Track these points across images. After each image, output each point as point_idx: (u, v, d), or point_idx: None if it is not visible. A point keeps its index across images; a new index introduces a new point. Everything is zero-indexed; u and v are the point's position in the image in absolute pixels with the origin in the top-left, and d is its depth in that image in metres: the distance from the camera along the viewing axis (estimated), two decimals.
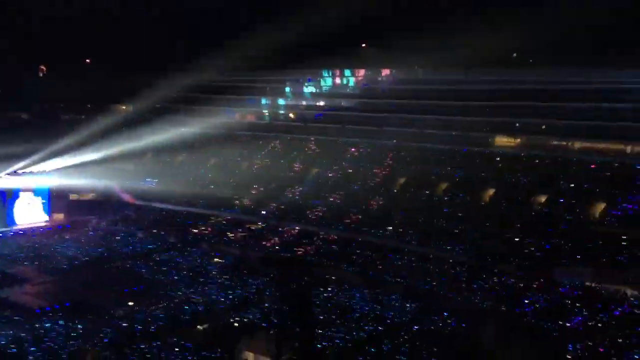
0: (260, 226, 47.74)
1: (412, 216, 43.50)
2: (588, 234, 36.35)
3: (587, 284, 32.42)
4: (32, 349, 27.01)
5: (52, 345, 27.67)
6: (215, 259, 42.09)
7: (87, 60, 74.30)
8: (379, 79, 60.96)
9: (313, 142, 56.82)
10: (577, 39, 46.01)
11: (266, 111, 64.52)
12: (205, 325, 30.82)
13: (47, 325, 30.23)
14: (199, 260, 42.11)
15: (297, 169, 54.50)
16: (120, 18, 66.39)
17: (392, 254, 39.74)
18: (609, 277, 32.24)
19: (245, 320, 31.31)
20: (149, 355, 26.60)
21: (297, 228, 46.05)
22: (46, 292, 37.07)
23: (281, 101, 64.14)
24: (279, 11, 55.95)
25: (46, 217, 53.71)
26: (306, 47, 56.44)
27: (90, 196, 58.16)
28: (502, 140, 48.56)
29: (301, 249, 43.17)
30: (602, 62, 43.63)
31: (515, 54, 53.94)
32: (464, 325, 29.60)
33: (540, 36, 45.35)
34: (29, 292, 37.02)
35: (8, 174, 53.57)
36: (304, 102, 63.47)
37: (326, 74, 62.62)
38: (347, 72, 61.81)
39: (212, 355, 26.54)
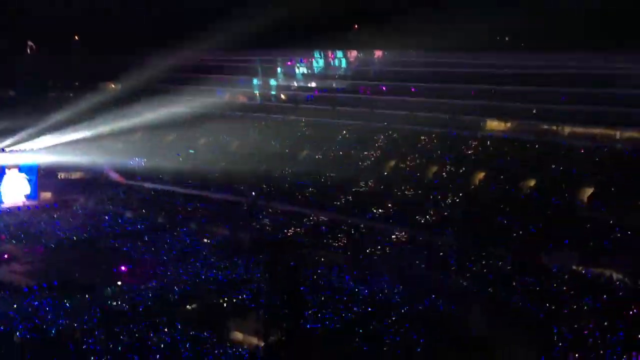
0: (249, 207, 47.66)
1: (401, 199, 43.62)
2: (576, 219, 36.63)
3: (575, 268, 32.73)
4: (20, 326, 26.92)
5: (41, 323, 27.59)
6: (204, 239, 42.03)
7: (76, 37, 73.33)
8: (371, 60, 60.76)
9: (304, 124, 56.66)
10: (572, 22, 45.96)
11: (256, 92, 64.19)
12: (194, 305, 30.82)
13: (35, 303, 30.12)
14: (187, 241, 42.02)
15: (287, 150, 54.37)
16: None
17: (381, 236, 39.88)
18: (595, 262, 32.55)
19: (234, 300, 31.34)
20: (137, 335, 26.58)
21: (286, 209, 46.04)
22: (34, 270, 36.96)
23: (272, 82, 63.82)
24: None
25: (34, 196, 53.30)
26: (298, 28, 56.06)
27: (78, 175, 57.81)
28: (492, 124, 48.67)
29: (290, 230, 43.24)
30: (598, 47, 43.60)
31: (507, 37, 53.92)
32: (452, 307, 29.79)
33: (534, 20, 45.31)
34: (17, 270, 36.95)
35: None
36: (295, 83, 63.21)
37: (318, 55, 62.31)
38: (339, 54, 61.52)
39: (201, 335, 26.56)
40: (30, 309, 29.34)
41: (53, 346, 25.39)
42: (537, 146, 44.50)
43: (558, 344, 25.14)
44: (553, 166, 41.95)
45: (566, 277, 32.00)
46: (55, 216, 48.94)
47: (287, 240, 41.75)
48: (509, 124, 47.88)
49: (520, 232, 36.92)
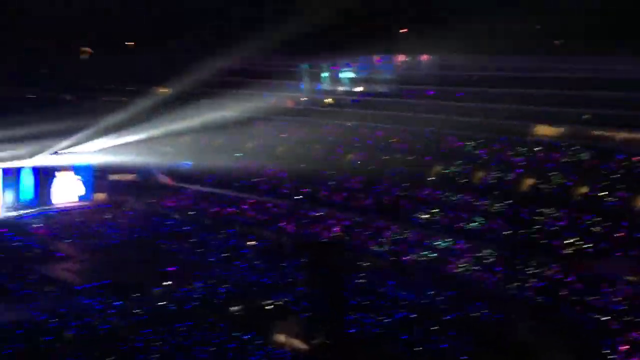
0: (294, 210, 48.01)
1: (445, 204, 43.15)
2: (629, 227, 35.48)
3: (627, 277, 31.72)
4: (71, 324, 27.82)
5: (91, 321, 28.46)
6: (249, 242, 42.54)
7: (129, 43, 75.26)
8: (417, 64, 60.20)
9: (348, 127, 56.65)
10: (625, 24, 44.36)
11: (302, 95, 64.48)
12: (239, 307, 31.23)
13: (85, 301, 31.08)
14: (233, 243, 42.65)
15: (332, 153, 54.47)
16: (160, 2, 67.00)
17: (427, 241, 39.57)
18: None
19: (278, 303, 31.63)
20: (182, 334, 27.14)
21: (331, 212, 46.16)
22: (86, 269, 38.13)
23: (318, 86, 63.99)
24: None
25: (87, 197, 55.05)
26: (344, 32, 56.03)
27: (129, 177, 59.40)
28: (542, 130, 47.49)
29: (335, 233, 43.36)
30: None
31: (559, 41, 52.48)
32: (496, 314, 29.33)
33: (587, 22, 43.93)
34: (69, 269, 38.12)
35: (51, 153, 54.98)
36: (340, 87, 63.22)
37: (363, 59, 62.14)
38: (385, 58, 61.19)
39: (245, 337, 26.92)
40: (81, 307, 30.27)
41: (102, 344, 26.13)
42: (588, 152, 43.23)
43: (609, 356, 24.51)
44: (605, 173, 40.67)
45: (619, 286, 31.05)
46: (107, 217, 50.41)
47: (332, 244, 41.86)
48: (559, 130, 46.63)
49: (572, 240, 35.98)
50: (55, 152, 55.40)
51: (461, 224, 40.73)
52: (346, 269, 35.80)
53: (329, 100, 62.79)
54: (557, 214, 38.63)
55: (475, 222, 40.57)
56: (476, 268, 35.88)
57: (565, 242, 35.92)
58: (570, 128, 45.56)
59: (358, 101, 59.41)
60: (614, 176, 40.03)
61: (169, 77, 62.35)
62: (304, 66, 64.46)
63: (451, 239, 39.23)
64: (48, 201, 53.15)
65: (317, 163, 53.21)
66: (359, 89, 62.07)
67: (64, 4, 60.15)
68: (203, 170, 57.80)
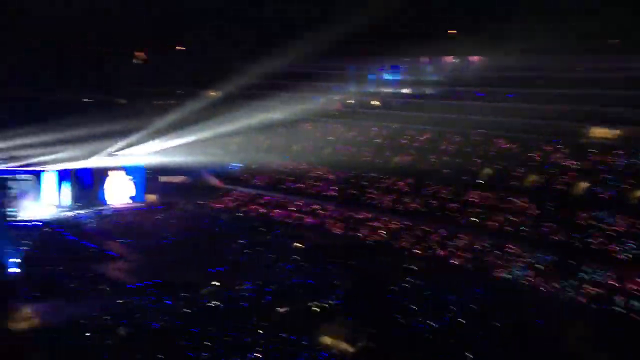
0: (341, 212, 48.02)
1: (496, 207, 42.37)
2: None
3: None
4: (123, 321, 28.54)
5: (142, 318, 29.13)
6: (296, 243, 42.77)
7: (180, 48, 76.82)
8: (466, 66, 59.37)
9: (396, 130, 56.33)
10: None
11: (350, 98, 64.49)
12: (285, 308, 31.40)
13: (137, 300, 31.84)
14: (280, 244, 42.95)
15: (381, 156, 54.26)
16: (209, 6, 68.09)
17: (477, 245, 38.97)
18: None
19: (324, 305, 31.67)
20: (230, 333, 27.48)
21: (379, 216, 45.99)
22: (138, 269, 39.01)
23: (366, 88, 63.87)
24: None
25: (139, 198, 56.48)
26: (392, 34, 55.77)
27: (180, 179, 60.66)
28: (597, 131, 46.08)
29: (382, 237, 43.18)
30: None
31: (617, 40, 50.83)
32: (549, 320, 28.61)
33: None
34: (122, 268, 39.07)
35: (106, 155, 56.67)
36: (388, 89, 62.93)
37: (412, 61, 61.70)
38: (434, 60, 60.60)
39: (291, 338, 27.06)
40: (133, 305, 31.02)
41: (153, 341, 26.71)
42: None
43: None
44: None
45: None
46: (158, 218, 51.59)
47: (379, 246, 41.75)
48: (615, 131, 45.14)
49: (626, 247, 34.81)
50: (110, 154, 57.08)
51: (512, 228, 39.94)
52: (393, 271, 35.70)
53: (376, 102, 62.62)
54: (613, 219, 37.46)
55: (526, 226, 39.73)
56: (528, 273, 35.11)
57: (620, 247, 34.83)
58: (627, 129, 44.10)
59: (406, 102, 59.05)
60: None
61: (219, 80, 63.38)
62: (352, 68, 64.53)
63: (502, 243, 38.55)
64: (102, 201, 54.80)
65: (364, 165, 53.14)
66: (407, 90, 61.69)
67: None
68: (251, 172, 58.63)
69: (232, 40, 67.43)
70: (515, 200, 42.36)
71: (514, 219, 40.63)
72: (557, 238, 37.52)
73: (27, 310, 29.73)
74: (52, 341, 26.35)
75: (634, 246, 34.59)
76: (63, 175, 53.65)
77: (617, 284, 32.06)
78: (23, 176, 52.46)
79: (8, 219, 47.67)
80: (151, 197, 57.16)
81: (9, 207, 49.66)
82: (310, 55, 57.45)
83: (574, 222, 38.34)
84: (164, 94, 71.81)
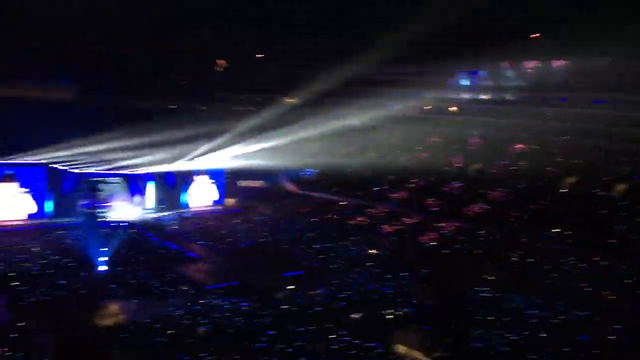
0: (416, 220, 47.53)
1: (581, 219, 40.62)
2: None
3: None
4: (202, 321, 29.41)
5: (220, 320, 29.91)
6: (371, 250, 42.68)
7: (259, 55, 78.48)
8: (548, 70, 57.35)
9: (474, 136, 55.20)
10: None
11: (427, 103, 63.75)
12: (359, 314, 31.39)
13: (215, 301, 32.72)
14: (355, 251, 43.00)
15: (456, 163, 53.35)
16: (284, 14, 69.13)
17: (555, 255, 37.53)
18: None
19: (399, 313, 31.43)
20: (305, 337, 27.75)
21: (454, 224, 45.18)
22: (217, 270, 40.07)
23: (442, 94, 62.94)
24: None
25: (219, 201, 58.14)
26: (470, 39, 54.67)
27: (257, 184, 61.99)
28: None
29: (458, 246, 42.37)
30: None
31: None
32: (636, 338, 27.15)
33: None
34: (202, 269, 40.18)
35: (187, 159, 58.73)
36: (465, 95, 61.76)
37: (491, 66, 60.27)
38: (514, 64, 58.91)
39: (365, 345, 27.02)
40: (211, 306, 31.91)
41: (229, 342, 27.37)
42: None
43: None
44: None
45: None
46: (237, 221, 52.87)
47: (454, 256, 40.99)
48: None
49: None
50: (192, 158, 59.11)
51: (597, 240, 38.18)
52: (471, 281, 34.94)
53: (453, 108, 61.60)
54: None
55: (614, 238, 37.86)
56: (611, 286, 33.41)
57: None
58: None
59: (484, 109, 57.73)
60: None
61: (296, 86, 64.27)
62: (430, 73, 63.74)
63: (588, 255, 36.92)
64: (184, 204, 56.80)
65: (441, 174, 52.34)
66: (485, 96, 60.31)
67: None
68: (328, 177, 59.04)
69: (311, 48, 68.10)
70: (602, 211, 40.51)
71: (599, 231, 38.83)
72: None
73: (113, 307, 31.16)
74: (136, 338, 27.47)
75: None
76: (148, 179, 56.05)
77: None
78: (112, 179, 55.18)
79: (98, 219, 50.24)
80: (230, 201, 58.70)
81: (99, 208, 52.34)
82: (387, 61, 57.27)
83: None
84: (244, 100, 73.58)
